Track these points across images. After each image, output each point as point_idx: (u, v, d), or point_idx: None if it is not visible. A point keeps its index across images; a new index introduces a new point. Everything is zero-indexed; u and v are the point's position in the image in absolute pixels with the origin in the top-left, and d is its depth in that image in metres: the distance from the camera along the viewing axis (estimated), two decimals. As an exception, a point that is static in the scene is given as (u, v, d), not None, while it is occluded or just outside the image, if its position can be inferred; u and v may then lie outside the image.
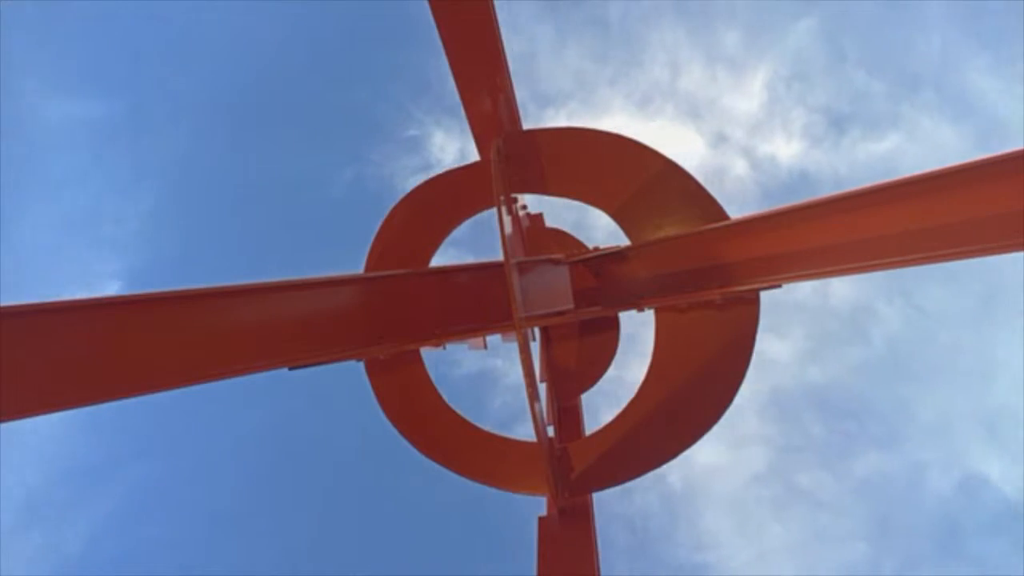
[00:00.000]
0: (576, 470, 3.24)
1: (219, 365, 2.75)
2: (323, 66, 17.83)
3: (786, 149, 15.62)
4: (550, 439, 3.24)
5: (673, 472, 13.76)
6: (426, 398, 3.58)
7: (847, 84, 15.60)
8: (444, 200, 3.56)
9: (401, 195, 3.58)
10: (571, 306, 3.26)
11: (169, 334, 2.62)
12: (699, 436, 3.17)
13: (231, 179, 16.98)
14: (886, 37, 15.47)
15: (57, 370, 2.33)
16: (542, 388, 3.63)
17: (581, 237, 3.87)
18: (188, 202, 16.48)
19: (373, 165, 16.70)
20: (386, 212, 3.56)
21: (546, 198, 3.67)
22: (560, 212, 3.93)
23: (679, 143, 15.65)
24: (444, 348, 3.49)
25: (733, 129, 16.16)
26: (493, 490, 3.45)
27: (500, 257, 2.84)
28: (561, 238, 3.90)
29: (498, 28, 3.11)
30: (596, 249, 3.58)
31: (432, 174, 3.57)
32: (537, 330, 3.85)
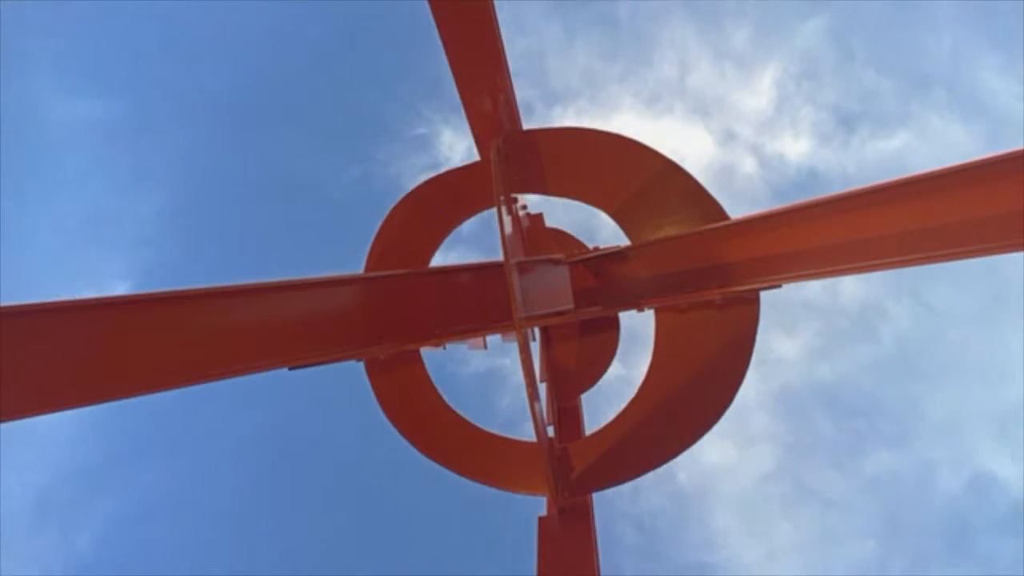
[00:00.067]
0: (576, 470, 3.24)
1: (219, 365, 2.75)
2: (329, 65, 17.82)
3: (795, 147, 15.58)
4: (550, 439, 3.24)
5: (682, 471, 13.75)
6: (426, 398, 3.59)
7: (856, 83, 15.57)
8: (444, 200, 3.56)
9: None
10: (571, 306, 3.26)
11: (169, 334, 2.62)
12: (699, 436, 3.17)
13: (237, 178, 16.98)
14: (896, 36, 15.47)
15: (57, 370, 2.33)
16: (542, 388, 3.63)
17: (582, 237, 3.87)
18: (194, 202, 16.49)
19: (380, 164, 16.69)
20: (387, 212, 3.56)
21: (546, 198, 3.68)
22: (560, 212, 3.94)
23: (688, 141, 15.64)
24: (444, 348, 3.49)
25: (742, 127, 16.13)
26: (493, 490, 3.45)
27: (500, 257, 2.85)
28: (561, 238, 3.90)
29: (498, 28, 3.11)
30: (596, 249, 3.58)
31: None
32: (537, 330, 3.85)
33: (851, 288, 14.17)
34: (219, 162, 16.88)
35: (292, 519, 14.26)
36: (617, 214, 3.39)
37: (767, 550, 13.51)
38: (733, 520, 13.95)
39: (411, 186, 3.59)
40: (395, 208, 3.55)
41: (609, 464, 3.23)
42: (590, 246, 3.71)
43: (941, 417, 13.82)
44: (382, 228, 3.54)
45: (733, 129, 16.12)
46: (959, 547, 13.03)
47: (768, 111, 15.82)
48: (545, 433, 2.93)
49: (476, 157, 3.57)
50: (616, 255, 3.37)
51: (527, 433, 3.48)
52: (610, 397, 3.73)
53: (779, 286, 3.01)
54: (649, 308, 3.31)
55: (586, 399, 3.97)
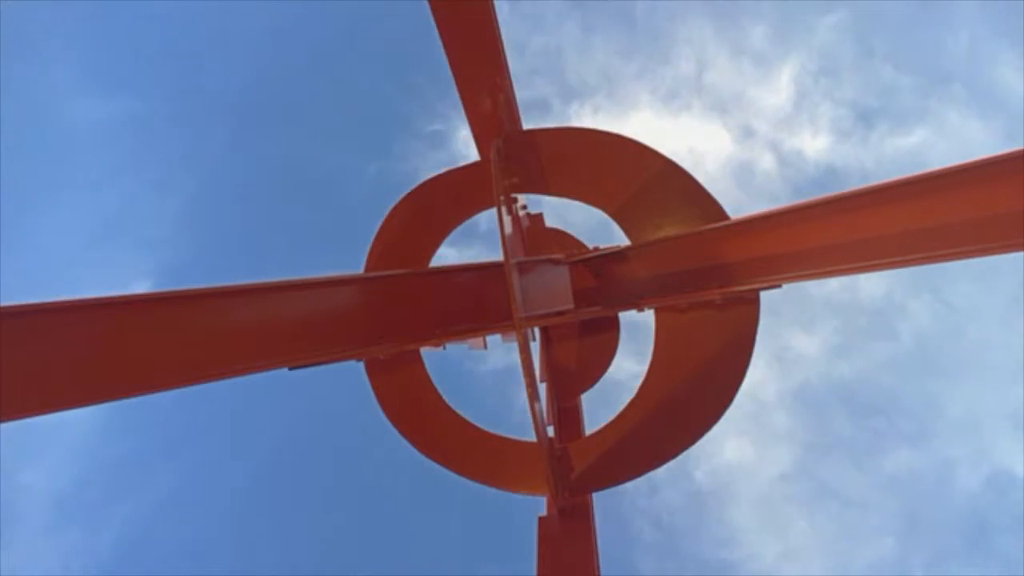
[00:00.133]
0: (576, 470, 3.24)
1: (219, 365, 2.75)
2: (347, 62, 17.76)
3: (813, 144, 15.50)
4: (550, 439, 3.25)
5: (700, 468, 13.68)
6: (426, 398, 3.59)
7: (875, 79, 15.49)
8: (444, 200, 3.56)
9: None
10: (571, 306, 3.26)
11: (169, 334, 2.62)
12: (699, 437, 3.17)
13: (256, 177, 16.92)
14: (914, 33, 15.42)
15: (57, 370, 2.33)
16: (542, 388, 3.63)
17: (581, 237, 3.87)
18: (214, 201, 16.44)
19: (398, 160, 16.65)
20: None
21: (546, 198, 3.68)
22: (560, 212, 3.93)
23: (706, 138, 15.56)
24: (444, 348, 3.49)
25: (760, 124, 16.02)
26: (493, 490, 3.45)
27: (500, 257, 2.85)
28: (561, 238, 3.90)
29: (498, 28, 3.11)
30: (596, 249, 3.58)
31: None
32: (537, 330, 3.85)
33: (870, 285, 14.12)
34: (238, 161, 16.84)
35: (291, 519, 14.27)
36: (617, 214, 3.40)
37: (785, 548, 13.48)
38: (751, 518, 13.91)
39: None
40: (395, 208, 3.55)
41: (609, 464, 3.24)
42: (590, 246, 3.72)
43: (960, 415, 13.77)
44: (382, 228, 3.54)
45: (751, 126, 16.04)
46: (978, 545, 12.99)
47: (786, 108, 15.75)
48: (545, 433, 2.93)
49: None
50: (616, 255, 3.37)
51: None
52: (610, 397, 3.73)
53: (779, 286, 3.01)
54: (649, 308, 3.31)
55: (586, 399, 3.97)
